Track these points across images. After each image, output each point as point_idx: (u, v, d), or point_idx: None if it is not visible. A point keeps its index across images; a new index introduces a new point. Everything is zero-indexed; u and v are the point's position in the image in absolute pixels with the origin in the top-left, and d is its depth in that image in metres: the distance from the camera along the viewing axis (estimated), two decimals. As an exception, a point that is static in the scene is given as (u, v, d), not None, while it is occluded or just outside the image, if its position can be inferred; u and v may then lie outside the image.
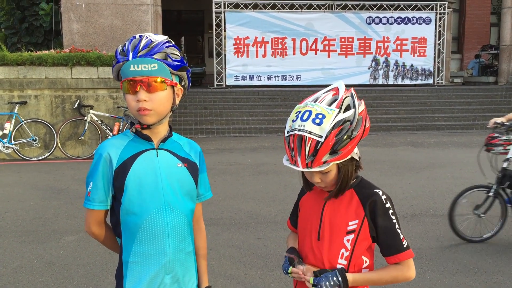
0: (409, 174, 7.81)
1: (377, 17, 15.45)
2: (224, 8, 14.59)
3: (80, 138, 10.03)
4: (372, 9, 15.47)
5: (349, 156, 1.58)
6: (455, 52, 21.08)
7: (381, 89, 14.84)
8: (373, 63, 15.55)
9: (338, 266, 1.63)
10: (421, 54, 15.73)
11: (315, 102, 1.57)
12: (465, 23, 21.21)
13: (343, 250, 1.64)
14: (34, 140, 9.78)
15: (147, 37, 1.69)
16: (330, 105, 1.55)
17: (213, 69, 15.10)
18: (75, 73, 10.17)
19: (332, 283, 1.58)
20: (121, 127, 10.02)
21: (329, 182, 1.63)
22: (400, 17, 15.53)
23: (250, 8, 14.85)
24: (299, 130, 1.52)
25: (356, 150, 1.63)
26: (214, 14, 14.64)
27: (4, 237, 5.03)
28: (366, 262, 1.68)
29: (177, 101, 1.77)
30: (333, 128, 1.51)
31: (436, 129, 13.10)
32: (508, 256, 4.44)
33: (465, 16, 21.20)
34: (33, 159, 9.71)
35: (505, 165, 4.70)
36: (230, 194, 6.56)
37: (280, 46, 15.11)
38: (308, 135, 1.51)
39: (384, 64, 15.58)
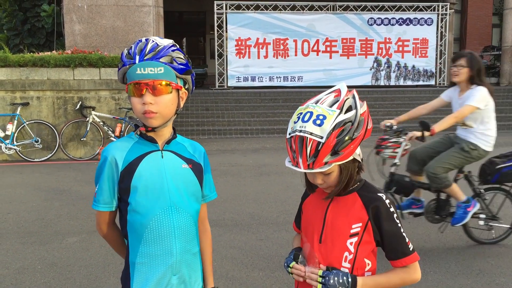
0: (411, 175, 7.79)
1: (378, 18, 15.44)
2: (226, 9, 14.61)
3: (82, 139, 10.04)
4: (374, 10, 15.46)
5: (351, 157, 1.58)
6: (457, 53, 21.05)
7: (383, 90, 14.83)
8: (375, 64, 15.55)
9: (342, 270, 1.63)
10: (423, 55, 15.72)
11: (316, 103, 1.58)
12: (467, 24, 21.20)
13: (346, 253, 1.64)
14: (36, 141, 9.80)
15: (153, 41, 1.71)
16: (331, 106, 1.56)
17: (214, 70, 15.11)
18: (77, 74, 10.19)
19: (341, 281, 1.58)
20: (123, 128, 10.03)
21: (332, 183, 1.63)
22: (401, 18, 15.53)
23: (251, 9, 14.86)
24: (300, 131, 1.53)
25: (358, 151, 1.63)
26: (215, 15, 14.65)
27: (6, 238, 5.04)
28: (368, 264, 1.67)
29: (182, 104, 1.79)
30: (333, 129, 1.51)
31: (438, 130, 13.06)
32: (510, 258, 4.43)
33: (467, 17, 21.19)
34: (35, 160, 9.73)
35: (392, 169, 4.60)
36: (232, 195, 6.57)
37: (281, 47, 15.11)
38: (309, 136, 1.51)
39: (386, 65, 15.58)
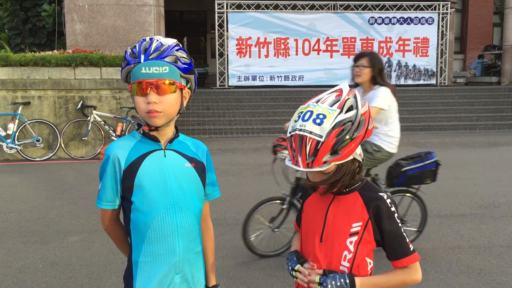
0: (412, 174, 7.78)
1: (379, 17, 15.43)
2: (227, 8, 14.60)
3: (83, 138, 10.04)
4: (375, 9, 15.46)
5: (351, 157, 1.58)
6: (458, 52, 21.06)
7: (384, 90, 14.80)
8: (376, 63, 15.51)
9: (341, 269, 1.63)
10: (424, 54, 15.71)
11: (317, 102, 1.58)
12: (468, 23, 21.19)
13: (345, 252, 1.64)
14: (38, 141, 9.81)
15: (157, 40, 1.72)
16: (332, 105, 1.56)
17: (215, 70, 15.12)
18: (78, 73, 10.19)
19: (339, 284, 1.58)
20: (124, 127, 10.03)
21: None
22: (402, 17, 15.52)
23: (252, 9, 14.86)
24: (300, 130, 1.53)
25: (359, 151, 1.63)
26: (216, 15, 14.65)
27: (7, 238, 5.04)
28: (370, 264, 1.68)
29: (185, 104, 1.80)
30: (333, 128, 1.51)
31: (439, 129, 13.08)
32: (512, 257, 4.43)
33: (468, 16, 21.17)
34: (36, 159, 9.74)
35: (298, 174, 4.37)
36: (233, 194, 6.57)
37: (282, 46, 15.11)
38: (308, 135, 1.51)
39: (387, 64, 15.56)
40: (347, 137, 1.53)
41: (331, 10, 15.28)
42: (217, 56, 15.13)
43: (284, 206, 4.37)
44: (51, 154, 9.84)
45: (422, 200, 4.66)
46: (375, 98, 4.19)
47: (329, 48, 15.36)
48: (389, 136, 4.43)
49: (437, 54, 15.81)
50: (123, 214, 1.82)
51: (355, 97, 1.60)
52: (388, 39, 15.52)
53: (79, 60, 10.12)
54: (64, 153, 9.92)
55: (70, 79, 10.16)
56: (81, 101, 10.09)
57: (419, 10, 15.61)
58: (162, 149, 1.78)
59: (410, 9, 15.57)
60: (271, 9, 14.99)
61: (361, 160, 1.66)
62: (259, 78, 14.98)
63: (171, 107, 1.71)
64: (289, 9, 15.08)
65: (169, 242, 1.73)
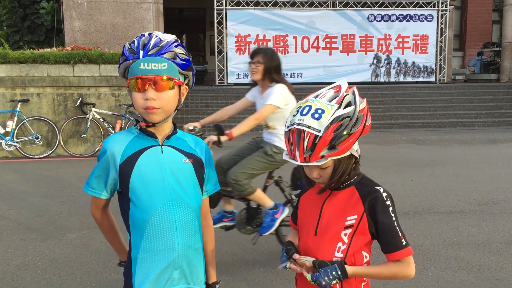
0: (411, 171, 7.81)
1: (378, 14, 15.42)
2: (226, 5, 14.59)
3: (82, 136, 10.04)
4: (374, 6, 15.44)
5: (348, 153, 1.59)
6: (457, 50, 21.06)
7: (383, 87, 14.83)
8: (375, 61, 15.54)
9: (335, 259, 1.64)
10: (423, 51, 15.70)
11: (316, 98, 1.60)
12: (467, 20, 21.19)
13: (339, 244, 1.64)
14: (37, 138, 9.80)
15: (156, 36, 1.71)
16: (330, 101, 1.57)
17: (214, 67, 15.11)
18: (77, 71, 10.18)
19: (331, 277, 1.58)
20: (123, 124, 10.03)
21: (328, 178, 1.64)
22: (401, 15, 15.51)
23: (251, 6, 14.85)
24: (298, 124, 1.54)
25: (356, 147, 1.64)
26: (215, 12, 14.63)
27: (7, 235, 5.04)
28: (366, 257, 1.68)
29: (182, 100, 1.79)
30: (331, 123, 1.52)
31: (438, 126, 13.08)
32: (511, 253, 4.43)
33: (467, 13, 21.17)
34: (35, 156, 9.73)
35: None
36: (232, 191, 6.57)
37: (281, 43, 15.10)
38: (306, 129, 1.52)
39: (386, 62, 15.56)
40: (345, 132, 1.54)
41: (330, 7, 15.26)
42: (216, 53, 15.12)
43: None
44: (50, 152, 9.84)
45: None
46: (270, 95, 3.95)
47: (328, 45, 15.34)
48: None
49: (436, 51, 15.80)
50: (122, 211, 1.81)
51: (353, 93, 1.62)
52: (387, 36, 15.51)
53: (78, 57, 10.10)
54: (63, 151, 9.91)
55: (69, 77, 10.15)
56: (80, 99, 10.08)
57: (418, 7, 15.60)
58: (159, 145, 1.77)
59: (409, 6, 15.56)
60: (270, 6, 14.97)
61: (357, 156, 1.67)
62: (258, 75, 14.94)
63: (169, 104, 1.70)
64: (288, 6, 15.07)
65: (168, 238, 1.73)
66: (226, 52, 14.79)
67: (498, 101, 14.35)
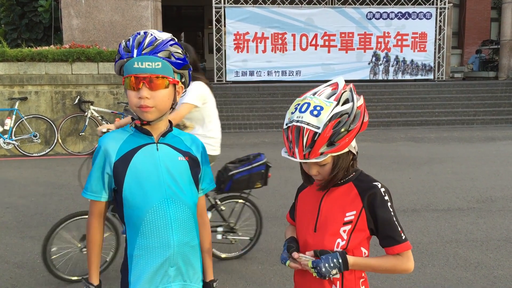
0: (409, 169, 7.82)
1: (377, 12, 15.41)
2: (224, 3, 14.56)
3: (80, 134, 10.03)
4: (373, 4, 15.43)
5: (346, 149, 1.61)
6: (456, 47, 21.05)
7: (381, 85, 14.83)
8: (374, 59, 15.53)
9: (338, 250, 1.65)
10: (422, 49, 15.70)
11: (314, 95, 1.61)
12: (466, 18, 21.18)
13: (339, 240, 1.65)
14: (35, 136, 9.79)
15: (151, 34, 1.72)
16: (328, 98, 1.58)
17: (213, 65, 15.09)
18: (75, 69, 10.17)
19: (332, 264, 1.59)
20: (121, 123, 10.00)
21: (326, 174, 1.65)
22: (400, 12, 15.49)
23: (250, 4, 14.82)
24: (297, 121, 1.55)
25: (354, 144, 1.66)
26: (214, 10, 14.60)
27: (5, 233, 5.04)
28: (365, 253, 1.69)
29: (178, 99, 1.80)
30: (330, 119, 1.53)
31: (436, 124, 13.09)
32: (508, 251, 4.45)
33: (466, 11, 21.16)
34: (33, 155, 9.72)
35: None
36: (231, 189, 6.56)
37: (280, 41, 15.09)
38: (306, 126, 1.53)
39: (385, 59, 15.55)
40: (344, 129, 1.55)
41: (329, 5, 15.24)
42: (214, 51, 15.10)
43: None
44: (49, 150, 9.83)
45: (256, 205, 4.27)
46: (186, 94, 3.66)
47: (326, 43, 15.33)
48: (208, 137, 3.91)
49: (435, 49, 15.79)
50: (118, 209, 1.81)
51: (351, 90, 1.63)
52: (386, 34, 15.49)
53: (76, 55, 10.09)
54: (61, 149, 9.91)
55: (67, 75, 10.13)
56: (78, 97, 10.07)
57: (417, 5, 15.59)
58: (154, 142, 1.78)
59: (408, 4, 15.55)
60: (268, 4, 14.95)
61: (355, 153, 1.68)
62: (256, 73, 14.96)
63: (163, 102, 1.71)
64: (286, 4, 15.04)
65: (163, 236, 1.73)
66: (225, 50, 14.78)
67: (496, 99, 14.36)
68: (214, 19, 14.66)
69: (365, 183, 1.68)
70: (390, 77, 15.60)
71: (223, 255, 4.28)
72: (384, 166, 8.05)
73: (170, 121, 1.84)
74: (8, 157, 9.68)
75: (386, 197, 1.65)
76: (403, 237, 1.64)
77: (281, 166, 7.79)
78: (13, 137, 9.68)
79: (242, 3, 14.79)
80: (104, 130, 3.74)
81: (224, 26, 14.66)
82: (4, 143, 9.61)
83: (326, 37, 15.29)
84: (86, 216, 3.60)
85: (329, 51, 15.34)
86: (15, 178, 7.60)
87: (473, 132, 11.88)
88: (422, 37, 15.66)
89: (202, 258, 1.92)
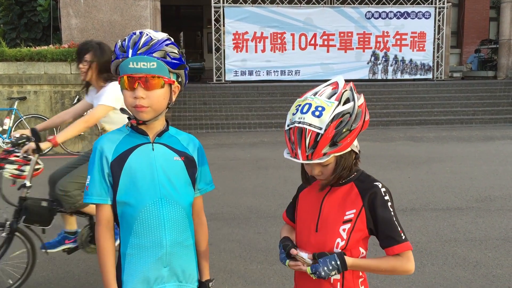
0: (408, 168, 7.83)
1: (376, 11, 15.41)
2: (223, 3, 14.56)
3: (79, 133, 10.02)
4: (372, 3, 15.44)
5: (349, 149, 1.61)
6: (454, 47, 21.06)
7: (380, 84, 14.84)
8: (372, 58, 15.54)
9: (336, 251, 1.65)
10: (421, 48, 15.71)
11: (315, 95, 1.60)
12: (464, 18, 21.19)
13: (338, 240, 1.65)
14: (34, 136, 9.76)
15: (147, 34, 1.72)
16: (329, 98, 1.58)
17: (212, 65, 15.09)
18: (74, 68, 10.14)
19: (331, 267, 1.59)
20: (120, 122, 10.01)
21: (329, 174, 1.65)
22: (399, 12, 15.50)
23: (249, 3, 14.83)
24: (299, 122, 1.55)
25: (356, 143, 1.66)
26: (213, 9, 14.60)
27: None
28: (362, 253, 1.69)
29: (174, 98, 1.80)
30: (332, 120, 1.53)
31: (435, 123, 13.10)
32: (507, 250, 4.46)
33: (464, 10, 21.18)
34: (32, 154, 9.70)
35: (23, 194, 3.74)
36: (230, 189, 6.58)
37: (279, 41, 15.09)
38: (308, 127, 1.53)
39: (383, 59, 15.56)
40: (346, 129, 1.56)
41: (328, 4, 15.25)
42: (213, 51, 15.09)
43: (4, 234, 3.58)
44: (47, 150, 9.80)
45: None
46: (103, 95, 3.49)
47: (325, 42, 15.33)
48: None
49: (434, 48, 15.80)
50: (112, 207, 1.80)
51: (351, 89, 1.63)
52: (385, 34, 15.50)
53: (75, 55, 10.01)
54: (60, 148, 9.90)
55: (66, 74, 10.13)
56: (77, 96, 10.05)
57: (416, 4, 15.60)
58: (150, 142, 1.78)
59: (407, 3, 15.55)
60: (267, 4, 14.95)
61: (357, 152, 1.68)
62: (255, 72, 14.96)
63: (158, 102, 1.71)
64: (285, 4, 15.05)
65: (156, 235, 1.74)
66: (224, 50, 14.77)
67: (495, 98, 14.37)
68: (213, 18, 14.66)
69: (366, 183, 1.68)
70: (389, 77, 15.61)
71: None
72: (383, 165, 8.05)
73: (167, 121, 1.85)
74: (7, 157, 9.66)
75: (387, 197, 1.65)
76: (403, 237, 1.63)
77: (280, 165, 7.79)
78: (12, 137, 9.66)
79: (241, 3, 14.79)
80: (17, 135, 3.61)
81: (223, 25, 14.66)
82: (3, 143, 9.60)
83: (325, 37, 15.29)
84: None
85: (328, 51, 15.34)
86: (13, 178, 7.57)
87: (472, 132, 11.89)
88: (421, 37, 15.67)
89: (197, 258, 1.92)
